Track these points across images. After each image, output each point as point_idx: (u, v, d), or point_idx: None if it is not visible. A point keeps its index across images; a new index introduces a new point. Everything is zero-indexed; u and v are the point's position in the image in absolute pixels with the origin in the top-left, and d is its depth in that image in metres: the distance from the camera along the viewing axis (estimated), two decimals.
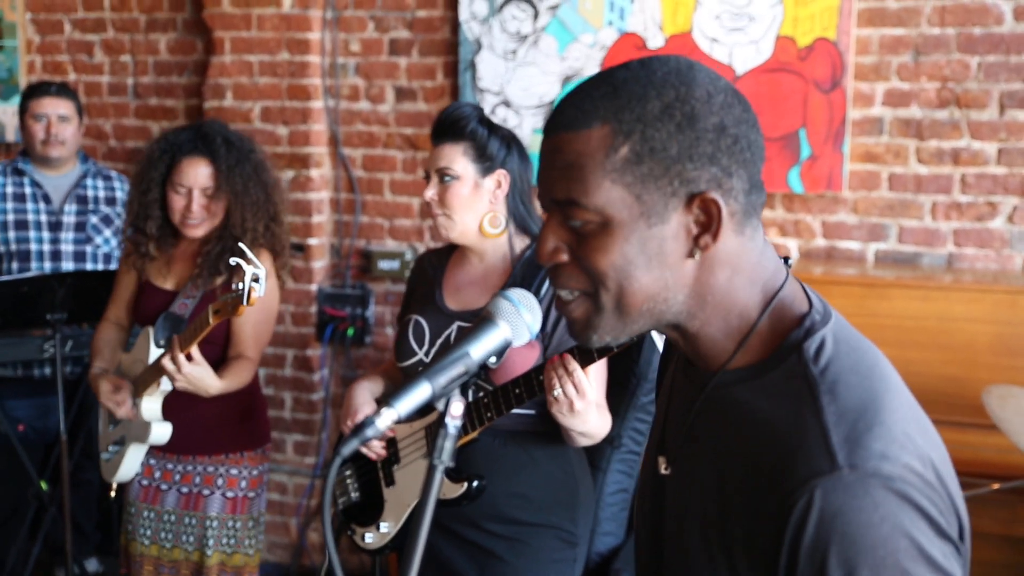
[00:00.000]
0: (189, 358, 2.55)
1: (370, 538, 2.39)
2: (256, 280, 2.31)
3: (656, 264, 1.07)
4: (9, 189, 3.78)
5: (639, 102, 1.05)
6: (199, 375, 2.57)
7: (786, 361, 1.08)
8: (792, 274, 1.16)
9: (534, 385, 2.08)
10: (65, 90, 3.81)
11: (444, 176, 2.27)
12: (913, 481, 0.99)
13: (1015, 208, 3.37)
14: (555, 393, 1.97)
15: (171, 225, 2.86)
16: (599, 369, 2.17)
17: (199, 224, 2.80)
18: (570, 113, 1.07)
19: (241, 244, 2.45)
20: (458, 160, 2.26)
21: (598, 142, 1.05)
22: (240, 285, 2.33)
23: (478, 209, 2.29)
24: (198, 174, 2.78)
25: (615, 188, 1.05)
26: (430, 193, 2.29)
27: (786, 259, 1.18)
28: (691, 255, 1.07)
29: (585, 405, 1.99)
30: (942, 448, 1.07)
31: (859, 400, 1.03)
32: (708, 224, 1.06)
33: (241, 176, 2.79)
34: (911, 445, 1.01)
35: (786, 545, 1.00)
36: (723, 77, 1.10)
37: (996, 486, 2.73)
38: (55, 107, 3.75)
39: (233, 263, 2.36)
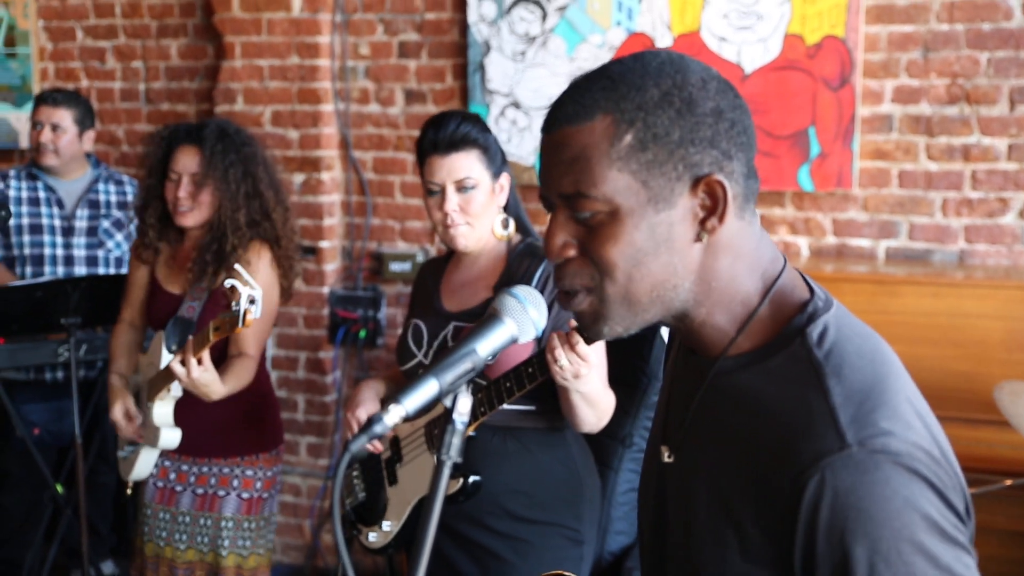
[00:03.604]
0: (199, 362, 2.57)
1: (373, 537, 2.40)
2: (252, 302, 2.35)
3: (665, 250, 1.08)
4: (24, 193, 3.81)
5: (638, 91, 1.07)
6: (206, 380, 2.59)
7: (789, 346, 1.10)
8: (792, 265, 1.17)
9: (524, 378, 2.09)
10: (65, 99, 3.79)
11: (464, 186, 2.26)
12: (920, 457, 1.01)
13: None
14: (561, 363, 1.98)
15: (171, 218, 2.89)
16: (599, 349, 2.16)
17: (187, 212, 2.83)
18: (570, 108, 1.09)
19: (238, 266, 2.48)
20: (475, 167, 2.26)
21: (601, 133, 1.07)
22: (236, 306, 2.36)
23: (492, 214, 2.31)
24: (188, 161, 2.83)
25: (622, 176, 1.07)
26: (452, 205, 2.26)
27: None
28: (698, 239, 1.09)
29: (588, 368, 2.00)
30: (941, 429, 1.09)
31: (864, 382, 1.05)
32: (714, 207, 1.09)
33: (223, 162, 2.82)
34: (917, 424, 1.04)
35: (801, 524, 1.02)
36: (712, 67, 1.13)
37: (1009, 482, 2.72)
38: (48, 116, 3.76)
39: (228, 284, 2.39)
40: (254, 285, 2.36)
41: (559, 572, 1.58)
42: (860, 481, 0.99)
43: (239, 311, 2.35)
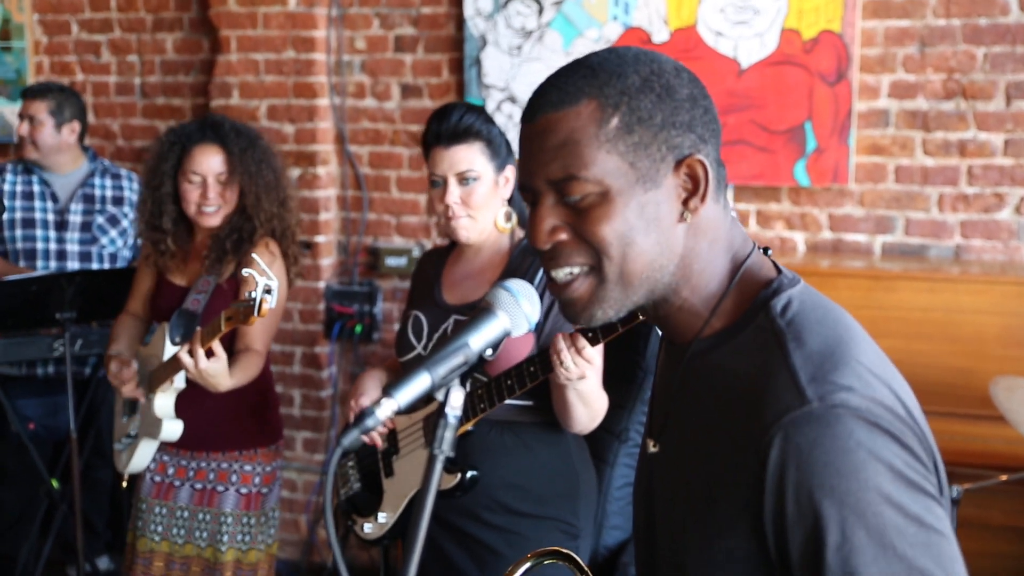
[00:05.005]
0: (210, 353, 2.56)
1: (368, 528, 2.41)
2: (268, 291, 2.31)
3: (653, 228, 1.11)
4: (18, 187, 3.80)
5: (619, 77, 1.11)
6: (214, 371, 2.56)
7: (755, 320, 1.12)
8: (788, 260, 1.19)
9: (525, 376, 2.10)
10: (40, 91, 3.77)
11: (465, 178, 2.26)
12: (881, 412, 1.02)
13: (1022, 199, 3.36)
14: (566, 365, 1.98)
15: (185, 219, 2.88)
16: (599, 350, 2.17)
17: (215, 212, 2.81)
18: (554, 95, 1.12)
19: (255, 255, 2.45)
20: (477, 160, 2.26)
21: (588, 116, 1.10)
22: (252, 295, 2.32)
23: (495, 207, 2.31)
24: (211, 161, 2.80)
25: (610, 158, 1.10)
26: (453, 197, 2.26)
27: (765, 249, 1.24)
28: (682, 219, 1.13)
29: (592, 370, 2.02)
30: (911, 394, 1.10)
31: (825, 345, 1.07)
32: (695, 187, 1.12)
33: (253, 159, 2.82)
34: (878, 382, 1.05)
35: (769, 488, 1.03)
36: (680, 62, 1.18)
37: (1004, 477, 2.72)
38: (26, 109, 3.75)
39: (246, 273, 2.36)
40: (271, 275, 2.32)
41: (555, 548, 1.58)
42: (823, 435, 1.00)
43: (255, 300, 2.31)
